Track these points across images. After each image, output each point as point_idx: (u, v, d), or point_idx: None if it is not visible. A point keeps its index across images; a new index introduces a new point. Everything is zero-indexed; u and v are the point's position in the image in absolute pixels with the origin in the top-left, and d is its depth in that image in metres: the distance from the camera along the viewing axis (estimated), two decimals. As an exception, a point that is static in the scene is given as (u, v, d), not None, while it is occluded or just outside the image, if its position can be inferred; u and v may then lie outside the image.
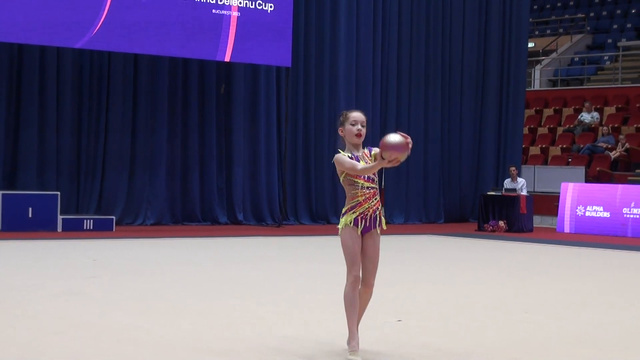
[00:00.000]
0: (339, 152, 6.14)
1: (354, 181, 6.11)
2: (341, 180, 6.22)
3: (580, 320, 8.30)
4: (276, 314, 8.15)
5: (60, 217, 16.51)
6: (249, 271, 11.55)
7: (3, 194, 16.16)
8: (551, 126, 26.85)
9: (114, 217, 17.37)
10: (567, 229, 19.82)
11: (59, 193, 16.79)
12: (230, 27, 17.94)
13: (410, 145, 5.93)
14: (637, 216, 19.06)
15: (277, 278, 10.95)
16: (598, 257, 14.91)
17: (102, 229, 16.75)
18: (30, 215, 16.21)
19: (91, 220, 16.81)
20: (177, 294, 9.37)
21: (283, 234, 17.65)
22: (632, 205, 19.13)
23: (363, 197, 6.12)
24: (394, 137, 5.88)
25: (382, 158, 5.90)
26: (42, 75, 17.61)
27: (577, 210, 19.88)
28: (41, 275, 10.50)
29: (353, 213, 6.11)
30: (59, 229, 16.36)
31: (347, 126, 6.11)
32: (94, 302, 8.51)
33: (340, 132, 6.20)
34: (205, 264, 12.41)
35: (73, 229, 16.44)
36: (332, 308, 8.03)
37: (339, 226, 6.20)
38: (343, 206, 6.26)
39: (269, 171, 19.68)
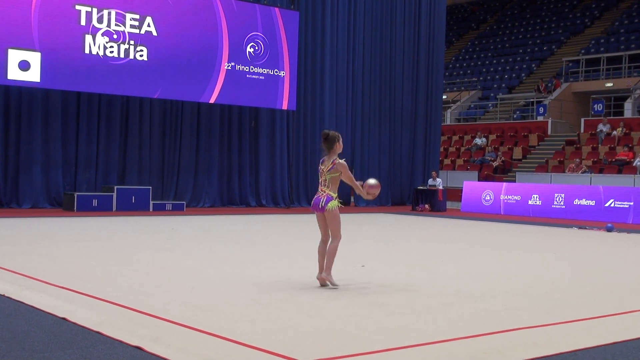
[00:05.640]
0: (344, 161, 6.08)
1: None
2: (335, 176, 6.04)
3: (470, 263, 8.26)
4: (291, 262, 8.05)
5: (151, 202, 16.56)
6: (270, 234, 11.46)
7: (117, 188, 16.24)
8: (457, 147, 26.91)
9: (184, 202, 17.45)
10: (468, 210, 19.87)
11: (150, 187, 16.88)
12: (258, 85, 18.33)
13: (380, 187, 6.26)
14: (507, 201, 19.30)
15: (288, 239, 10.85)
16: (485, 225, 14.94)
17: (177, 209, 16.83)
18: (133, 201, 16.27)
19: (170, 204, 16.89)
20: (224, 248, 9.34)
21: (290, 213, 17.70)
22: (505, 194, 19.37)
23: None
24: (373, 181, 6.25)
25: (367, 193, 6.19)
26: (141, 118, 17.61)
27: (473, 197, 20.09)
28: (140, 237, 10.53)
29: (338, 199, 6.14)
30: (151, 209, 16.42)
31: (340, 143, 6.14)
32: (172, 254, 8.50)
33: (338, 145, 6.10)
34: (242, 230, 12.28)
35: (159, 210, 16.52)
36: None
37: (333, 205, 6.01)
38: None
39: (281, 173, 19.64)
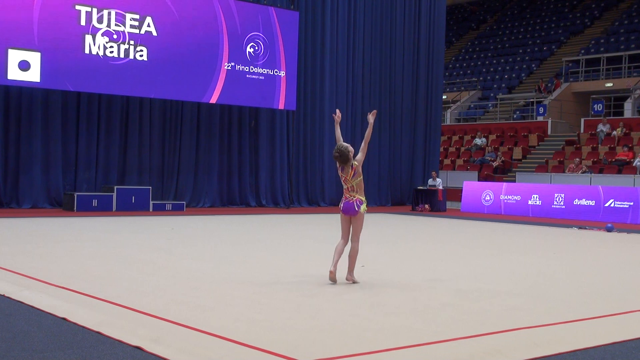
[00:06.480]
0: (353, 157, 6.31)
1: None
2: (360, 179, 6.33)
3: (470, 263, 8.16)
4: (291, 262, 8.10)
5: (151, 202, 16.55)
6: (270, 234, 11.43)
7: (117, 188, 16.23)
8: (457, 147, 26.87)
9: (184, 202, 17.46)
10: (468, 210, 19.83)
11: (150, 187, 16.87)
12: (258, 85, 18.29)
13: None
14: (507, 201, 19.30)
15: (288, 239, 10.85)
16: (485, 225, 14.89)
17: (177, 210, 16.83)
18: (133, 201, 16.26)
19: (170, 204, 16.89)
20: (224, 248, 9.32)
21: (290, 213, 17.71)
22: (505, 194, 19.38)
23: None
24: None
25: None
26: (141, 118, 17.58)
27: (473, 198, 20.08)
28: (140, 237, 10.50)
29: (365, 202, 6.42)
30: (150, 209, 16.41)
31: (351, 156, 6.36)
32: (172, 254, 8.49)
33: (351, 154, 6.33)
34: (241, 230, 12.23)
35: (159, 210, 16.51)
36: (323, 255, 7.99)
37: (364, 209, 6.34)
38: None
39: (281, 173, 19.63)
